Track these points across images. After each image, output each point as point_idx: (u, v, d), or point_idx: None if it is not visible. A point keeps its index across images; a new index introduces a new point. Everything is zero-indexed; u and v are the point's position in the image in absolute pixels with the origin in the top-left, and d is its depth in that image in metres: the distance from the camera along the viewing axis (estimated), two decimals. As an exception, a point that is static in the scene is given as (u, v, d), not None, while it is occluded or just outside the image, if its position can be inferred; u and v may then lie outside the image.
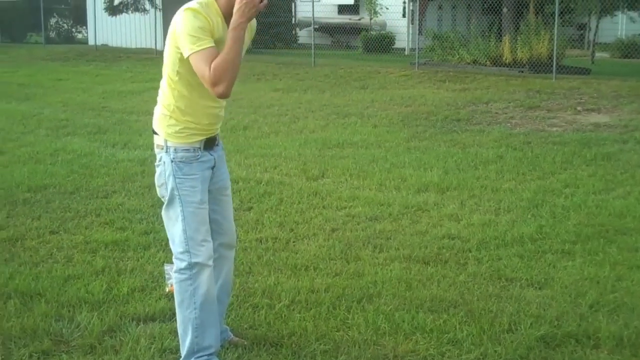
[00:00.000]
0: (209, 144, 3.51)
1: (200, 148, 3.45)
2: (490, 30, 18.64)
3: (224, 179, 3.66)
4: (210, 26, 3.24)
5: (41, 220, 6.09)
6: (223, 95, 3.24)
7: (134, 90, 15.37)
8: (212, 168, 3.54)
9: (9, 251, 5.34)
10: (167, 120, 3.44)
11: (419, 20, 22.43)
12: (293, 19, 29.02)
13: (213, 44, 3.22)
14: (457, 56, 18.28)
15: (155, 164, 3.51)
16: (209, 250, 3.45)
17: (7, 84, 16.75)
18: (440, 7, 26.76)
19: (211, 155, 3.52)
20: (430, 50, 19.88)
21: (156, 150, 3.50)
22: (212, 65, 3.16)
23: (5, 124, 11.04)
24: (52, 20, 34.23)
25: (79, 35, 34.65)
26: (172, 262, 3.54)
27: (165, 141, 3.43)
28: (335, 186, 7.32)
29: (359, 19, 27.86)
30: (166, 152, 3.44)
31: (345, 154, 8.83)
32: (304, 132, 10.44)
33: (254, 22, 3.49)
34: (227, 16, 3.28)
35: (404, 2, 25.08)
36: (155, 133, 3.48)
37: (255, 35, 3.65)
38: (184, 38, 3.22)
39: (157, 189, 3.52)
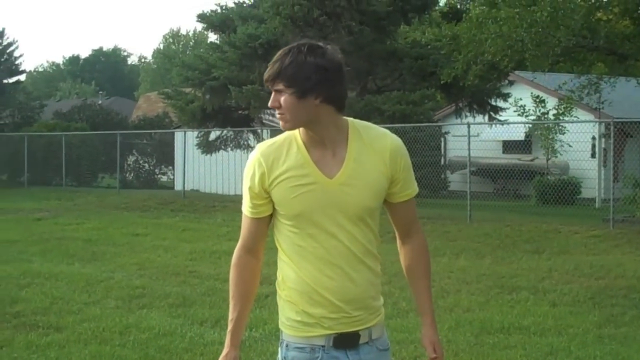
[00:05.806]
0: (345, 341, 3.22)
1: (324, 347, 3.20)
2: None
3: None
4: (262, 183, 3.22)
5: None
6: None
7: (231, 250, 15.66)
8: None
9: None
10: (280, 300, 3.31)
11: (614, 161, 22.37)
12: (442, 159, 29.40)
13: (254, 214, 3.32)
14: (669, 211, 18.07)
15: None
16: None
17: (71, 240, 17.61)
18: (643, 144, 26.62)
19: (348, 359, 3.22)
20: (630, 202, 19.70)
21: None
22: (236, 258, 3.48)
23: (66, 291, 11.50)
24: (130, 159, 35.87)
25: (163, 178, 36.16)
26: None
27: (281, 331, 3.30)
28: (497, 387, 7.23)
29: (532, 160, 28.00)
30: (280, 345, 3.30)
31: (512, 343, 8.72)
32: (455, 310, 10.41)
33: (399, 148, 3.34)
34: (308, 143, 3.20)
35: (593, 138, 25.11)
36: None
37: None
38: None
39: None
